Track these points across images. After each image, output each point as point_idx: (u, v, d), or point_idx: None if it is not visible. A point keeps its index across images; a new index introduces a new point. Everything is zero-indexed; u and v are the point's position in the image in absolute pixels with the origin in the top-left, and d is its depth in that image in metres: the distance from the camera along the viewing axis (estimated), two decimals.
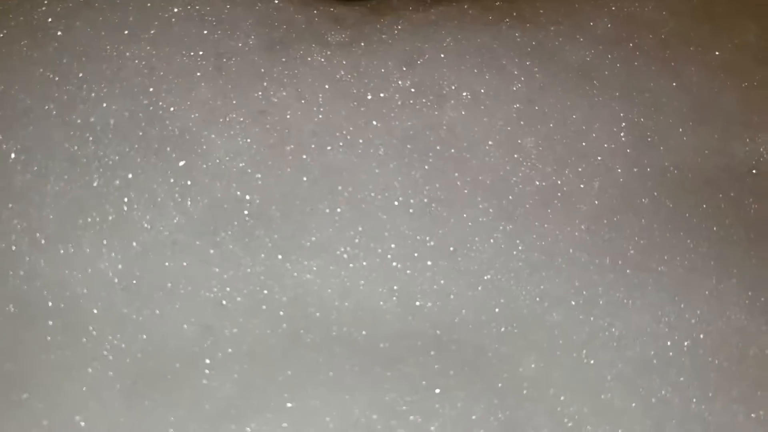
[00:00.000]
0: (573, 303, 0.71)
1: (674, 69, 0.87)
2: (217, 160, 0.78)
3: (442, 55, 0.83)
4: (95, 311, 0.68)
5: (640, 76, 0.85)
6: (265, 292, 0.72)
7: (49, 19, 0.84)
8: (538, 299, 0.71)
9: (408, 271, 0.74)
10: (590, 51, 0.84)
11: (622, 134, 0.80)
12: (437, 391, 0.66)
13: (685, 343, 0.72)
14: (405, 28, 0.87)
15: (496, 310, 0.71)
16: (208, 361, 0.67)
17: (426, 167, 0.76)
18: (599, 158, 0.78)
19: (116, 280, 0.71)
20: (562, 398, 0.68)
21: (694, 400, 0.69)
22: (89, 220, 0.74)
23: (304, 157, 0.78)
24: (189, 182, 0.76)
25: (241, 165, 0.78)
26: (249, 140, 0.79)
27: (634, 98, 0.82)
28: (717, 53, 0.90)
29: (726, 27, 0.93)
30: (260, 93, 0.83)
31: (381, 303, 0.70)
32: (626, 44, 0.87)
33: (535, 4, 0.88)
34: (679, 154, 0.80)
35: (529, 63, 0.82)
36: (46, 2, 0.85)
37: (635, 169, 0.77)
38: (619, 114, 0.81)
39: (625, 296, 0.72)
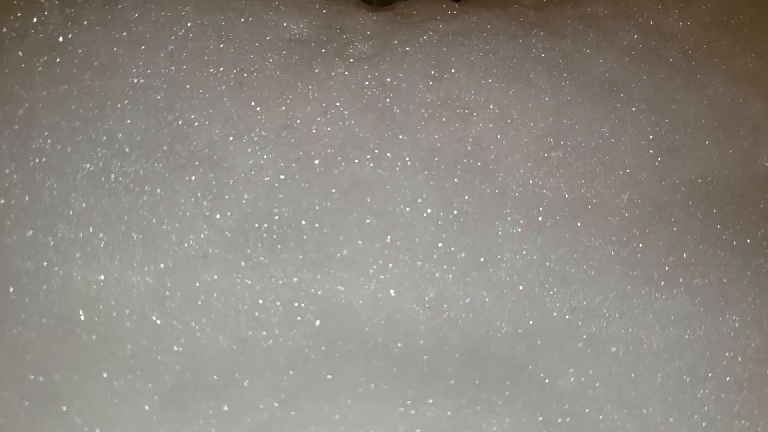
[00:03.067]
0: (608, 316, 0.77)
1: (699, 80, 0.94)
2: (243, 174, 0.84)
3: (468, 69, 0.89)
4: (128, 324, 0.75)
5: (666, 88, 0.92)
6: (298, 304, 0.78)
7: (69, 36, 0.90)
8: (572, 312, 0.78)
9: (439, 283, 0.81)
10: (616, 63, 0.92)
11: (649, 147, 0.87)
12: (478, 408, 0.72)
13: (726, 355, 0.78)
14: (429, 41, 0.95)
15: (530, 322, 0.78)
16: (245, 373, 0.72)
17: (455, 180, 0.83)
18: (628, 171, 0.84)
19: (149, 294, 0.77)
20: (603, 413, 0.73)
21: (738, 416, 0.75)
22: (120, 236, 0.80)
23: (332, 170, 0.85)
24: (217, 196, 0.83)
25: (267, 179, 0.85)
26: (275, 155, 0.87)
27: (661, 110, 0.90)
28: (741, 63, 0.97)
29: (749, 36, 1.00)
30: (284, 108, 0.90)
31: (414, 315, 0.78)
32: (652, 56, 0.93)
33: (561, 15, 0.95)
34: (706, 165, 0.88)
35: (556, 76, 0.89)
36: (63, 20, 0.91)
37: (663, 182, 0.84)
38: (646, 127, 0.89)
39: (660, 309, 0.78)
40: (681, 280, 0.81)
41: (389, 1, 1.10)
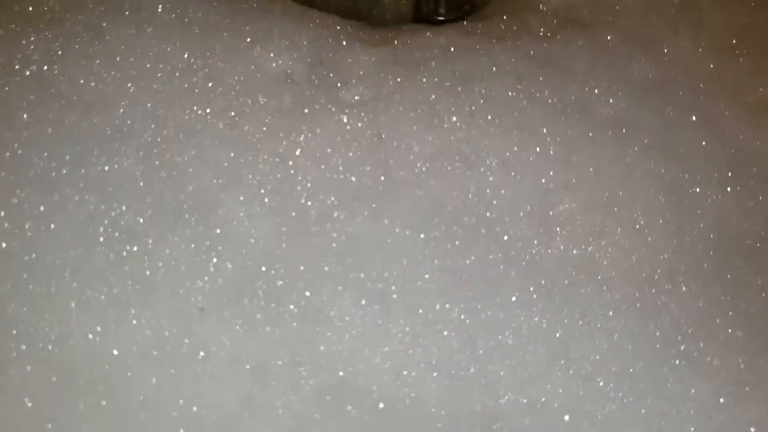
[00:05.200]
0: (622, 397, 0.82)
1: (710, 116, 0.95)
2: (237, 225, 0.87)
3: (469, 117, 0.90)
4: (129, 375, 0.79)
5: (675, 126, 0.96)
6: (300, 365, 0.82)
7: (55, 71, 0.92)
8: (585, 389, 0.82)
9: (445, 349, 0.84)
10: (625, 100, 0.96)
11: (659, 196, 0.89)
12: None
13: None
14: (428, 83, 0.95)
15: (543, 399, 0.81)
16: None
17: (456, 241, 0.86)
18: (637, 227, 0.86)
19: (147, 348, 0.81)
20: None
21: None
22: (113, 288, 0.83)
23: (328, 226, 0.88)
24: (210, 248, 0.86)
25: (261, 232, 0.87)
26: (269, 205, 0.89)
27: (670, 154, 0.94)
28: (754, 95, 0.97)
29: (763, 64, 1.00)
30: (277, 158, 0.92)
31: (422, 381, 0.81)
32: (662, 90, 0.97)
33: (571, 47, 0.98)
34: (719, 217, 0.89)
35: (562, 121, 0.90)
36: (48, 55, 0.93)
37: (674, 240, 0.87)
38: (655, 173, 0.93)
39: (676, 395, 0.82)
40: (699, 362, 0.82)
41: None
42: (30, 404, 0.77)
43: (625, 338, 0.84)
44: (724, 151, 0.97)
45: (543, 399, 0.81)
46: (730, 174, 0.96)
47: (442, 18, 1.19)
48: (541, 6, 1.05)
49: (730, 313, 0.86)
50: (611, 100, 0.96)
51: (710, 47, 1.06)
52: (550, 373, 0.82)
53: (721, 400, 0.82)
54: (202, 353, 0.81)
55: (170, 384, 0.79)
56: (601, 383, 0.82)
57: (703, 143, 0.97)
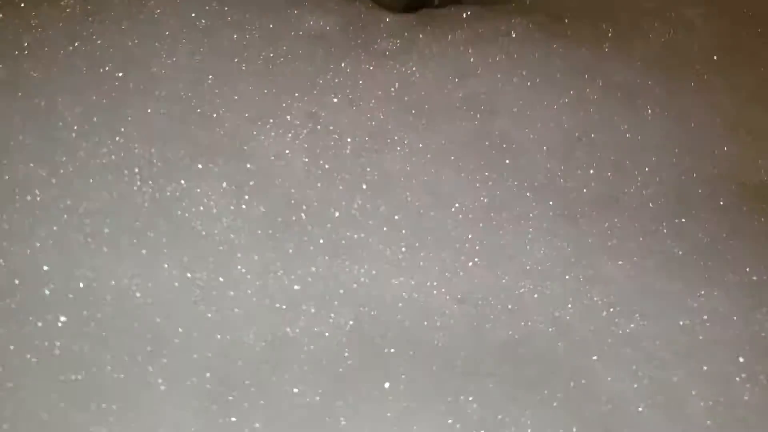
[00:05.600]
0: (645, 313, 0.86)
1: (708, 91, 1.06)
2: (269, 162, 0.92)
3: (493, 68, 0.98)
4: (158, 320, 0.80)
5: (677, 96, 1.05)
6: (329, 298, 0.84)
7: (91, 30, 1.00)
8: (609, 307, 0.86)
9: (471, 277, 0.88)
10: (633, 72, 1.07)
11: (667, 146, 1.00)
12: (516, 406, 0.79)
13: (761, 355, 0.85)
14: (455, 40, 1.03)
15: (567, 317, 0.85)
16: (285, 368, 0.79)
17: (484, 173, 0.91)
18: (648, 168, 0.95)
19: (177, 288, 0.82)
20: (640, 412, 0.80)
21: None
22: (146, 228, 0.86)
23: (360, 160, 0.93)
24: (242, 184, 0.90)
25: (293, 167, 0.92)
26: (301, 143, 0.95)
27: (674, 116, 1.04)
28: (747, 78, 1.08)
29: (751, 55, 1.10)
30: (309, 98, 0.99)
31: (448, 309, 0.84)
32: (665, 68, 1.09)
33: (581, 28, 1.05)
34: (720, 165, 1.00)
35: (578, 78, 0.98)
36: (83, 15, 1.02)
37: (684, 178, 0.96)
38: (662, 129, 1.02)
39: (695, 307, 0.87)
40: (712, 277, 0.89)
41: (413, 9, 1.18)
42: (57, 351, 0.77)
43: (646, 259, 0.90)
44: (718, 117, 1.07)
45: (568, 320, 0.85)
46: (722, 134, 1.05)
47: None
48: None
49: (739, 234, 0.94)
50: (620, 70, 1.07)
51: (711, 37, 1.17)
52: (575, 293, 0.87)
53: (735, 308, 0.88)
54: (232, 293, 0.83)
55: (202, 326, 0.80)
56: (625, 301, 0.87)
57: (701, 110, 1.07)
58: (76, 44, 0.97)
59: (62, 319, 0.79)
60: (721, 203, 0.96)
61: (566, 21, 1.12)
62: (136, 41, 0.99)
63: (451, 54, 1.01)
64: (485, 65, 1.01)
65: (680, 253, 0.92)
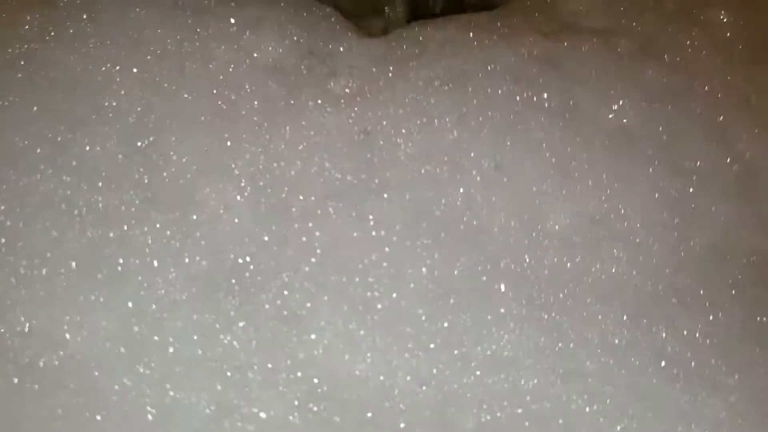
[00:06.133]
0: (632, 415, 0.78)
1: (721, 132, 0.91)
2: (215, 215, 0.85)
3: (461, 118, 0.88)
4: (96, 373, 0.76)
5: (683, 139, 0.91)
6: (278, 368, 0.78)
7: (45, 52, 0.91)
8: (591, 406, 0.79)
9: (434, 361, 0.80)
10: (632, 109, 0.93)
11: (661, 210, 0.87)
12: None
13: None
14: (420, 79, 0.92)
15: (533, 406, 0.78)
16: None
17: (444, 248, 0.83)
18: (637, 240, 0.83)
19: (115, 341, 0.78)
20: None
21: None
22: (84, 275, 0.80)
23: (310, 224, 0.85)
24: (187, 236, 0.83)
25: (240, 223, 0.85)
26: (249, 197, 0.86)
27: (675, 166, 0.92)
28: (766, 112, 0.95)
29: None
30: (260, 148, 0.89)
31: (412, 393, 0.78)
32: (673, 101, 0.95)
33: (579, 51, 0.94)
34: (722, 233, 0.85)
35: (561, 126, 0.87)
36: (41, 33, 0.92)
37: (676, 256, 0.85)
38: (658, 184, 0.91)
39: (689, 410, 0.79)
40: (711, 379, 0.80)
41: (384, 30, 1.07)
42: None
43: (630, 352, 0.81)
44: (731, 168, 0.93)
45: (545, 414, 0.78)
46: (734, 191, 0.91)
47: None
48: (553, 8, 1.02)
49: (741, 329, 0.82)
50: (617, 108, 0.92)
51: (727, 60, 1.01)
52: (552, 387, 0.79)
53: (740, 421, 0.78)
54: (171, 350, 0.78)
55: (141, 384, 0.76)
56: (607, 399, 0.78)
57: (710, 158, 0.93)
58: (31, 69, 0.90)
59: None
60: (718, 286, 0.84)
61: (567, 41, 0.97)
62: (89, 68, 0.91)
63: (412, 99, 0.89)
64: (451, 114, 0.89)
65: (666, 349, 0.81)
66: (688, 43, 1.00)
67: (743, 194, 0.94)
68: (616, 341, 0.82)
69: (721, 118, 0.97)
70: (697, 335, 0.82)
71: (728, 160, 0.94)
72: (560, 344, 0.82)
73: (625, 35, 1.00)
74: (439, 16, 1.10)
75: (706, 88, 0.98)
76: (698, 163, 0.92)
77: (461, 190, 0.87)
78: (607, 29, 1.01)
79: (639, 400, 0.80)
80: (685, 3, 1.03)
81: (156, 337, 0.78)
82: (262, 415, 0.76)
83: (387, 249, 0.84)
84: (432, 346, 0.81)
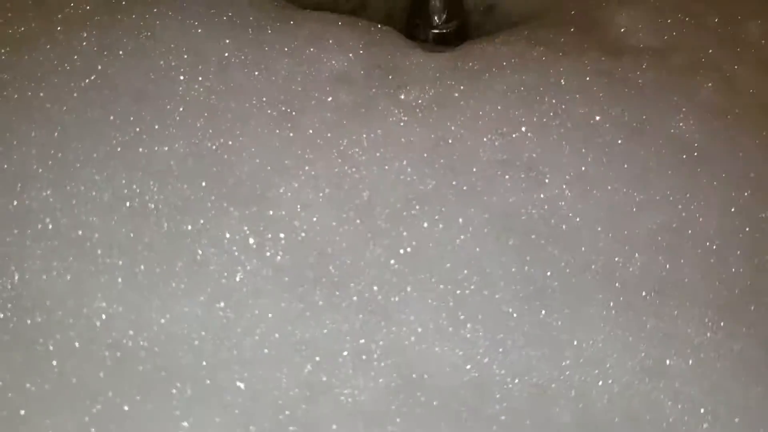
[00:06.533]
0: (711, 418, 0.80)
1: None
2: (293, 212, 0.86)
3: (540, 128, 0.90)
4: (180, 356, 0.77)
5: (747, 153, 0.97)
6: (365, 355, 0.80)
7: (106, 63, 0.94)
8: (676, 403, 0.80)
9: (524, 357, 0.81)
10: (695, 124, 0.97)
11: (735, 220, 0.88)
12: None
13: None
14: (494, 91, 0.94)
15: (616, 419, 0.79)
16: (317, 421, 0.75)
17: (532, 250, 0.84)
18: (714, 247, 0.85)
19: (199, 326, 0.79)
20: None
21: None
22: (163, 265, 0.82)
23: (397, 225, 0.86)
24: (264, 231, 0.84)
25: (321, 220, 0.86)
26: (328, 197, 0.88)
27: (743, 179, 0.95)
28: None
29: None
30: (335, 151, 0.91)
31: (504, 389, 0.79)
32: (731, 115, 0.99)
33: (636, 68, 0.96)
34: None
35: (634, 140, 0.90)
36: (99, 49, 0.95)
37: (755, 261, 0.85)
38: (730, 198, 0.93)
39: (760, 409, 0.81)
40: None
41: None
42: (75, 381, 0.75)
43: (712, 357, 0.83)
44: None
45: (635, 412, 0.79)
46: None
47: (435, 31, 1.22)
48: (606, 25, 1.06)
49: None
50: (682, 124, 0.96)
51: None
52: (640, 385, 0.80)
53: None
54: (258, 332, 0.79)
55: (222, 368, 0.77)
56: (693, 398, 0.80)
57: None
58: (91, 79, 0.92)
59: (76, 345, 0.76)
60: None
61: (624, 57, 1.01)
62: (151, 78, 0.93)
63: (490, 109, 0.92)
64: (530, 124, 0.91)
65: (747, 352, 0.84)
66: (734, 58, 1.05)
67: None
68: (701, 344, 0.84)
69: None
70: None
71: None
72: (646, 345, 0.83)
73: (676, 51, 1.04)
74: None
75: (758, 102, 1.02)
76: (760, 176, 0.95)
77: (545, 196, 0.89)
78: (658, 46, 1.05)
79: (721, 402, 0.81)
80: (726, 16, 1.09)
81: (242, 321, 0.79)
82: (350, 397, 0.77)
83: (476, 249, 0.86)
84: (523, 343, 0.82)
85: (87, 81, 0.92)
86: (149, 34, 0.97)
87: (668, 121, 0.98)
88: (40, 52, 0.94)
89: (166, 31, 0.98)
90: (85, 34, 0.96)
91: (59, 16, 0.98)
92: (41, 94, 0.91)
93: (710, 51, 1.06)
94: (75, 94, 0.91)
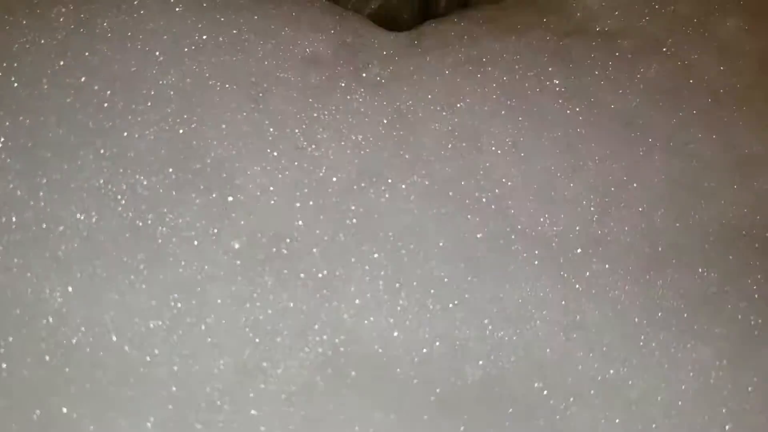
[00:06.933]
0: (625, 360, 0.88)
1: (723, 123, 1.05)
2: (254, 195, 0.91)
3: (482, 99, 0.98)
4: (126, 348, 0.82)
5: (685, 127, 1.04)
6: (305, 332, 0.86)
7: (81, 43, 0.95)
8: (589, 353, 0.88)
9: (451, 320, 0.90)
10: (636, 98, 1.04)
11: (664, 187, 0.97)
12: None
13: (745, 409, 0.87)
14: (445, 66, 1.04)
15: (547, 363, 0.87)
16: (250, 402, 0.81)
17: (467, 216, 0.92)
18: (641, 209, 0.92)
19: (152, 315, 0.83)
20: None
21: None
22: (124, 256, 0.85)
23: (347, 198, 0.94)
24: (225, 216, 0.89)
25: (278, 201, 0.92)
26: (288, 177, 0.94)
27: (677, 150, 1.02)
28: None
29: None
30: (298, 131, 0.98)
31: (427, 349, 0.86)
32: (675, 94, 1.05)
33: (585, 47, 1.05)
34: (723, 209, 0.96)
35: (570, 109, 0.96)
36: (76, 26, 0.96)
37: (678, 224, 0.93)
38: (661, 166, 1.00)
39: (679, 359, 0.89)
40: (701, 329, 0.89)
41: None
42: (26, 373, 0.79)
43: (630, 307, 0.91)
44: (731, 154, 1.04)
45: (547, 362, 0.87)
46: (733, 173, 1.02)
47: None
48: (565, 7, 1.12)
49: (733, 289, 0.93)
50: (622, 96, 1.03)
51: (736, 69, 1.11)
52: (555, 337, 0.88)
53: (721, 362, 0.88)
54: (207, 321, 0.84)
55: (172, 354, 0.82)
56: (605, 348, 0.87)
57: (711, 144, 1.04)
58: (66, 59, 0.94)
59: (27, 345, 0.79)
60: (718, 252, 0.94)
61: (573, 37, 1.08)
62: (127, 60, 0.96)
63: (441, 83, 1.00)
64: (474, 95, 0.99)
65: (665, 303, 0.91)
66: (695, 47, 1.10)
67: (740, 176, 1.03)
68: (619, 297, 0.91)
69: (723, 113, 1.06)
70: (691, 291, 0.92)
71: (729, 149, 1.04)
72: (566, 300, 0.91)
73: (633, 36, 1.10)
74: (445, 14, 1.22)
75: (709, 88, 1.08)
76: (698, 148, 1.02)
77: (482, 163, 0.97)
78: (616, 29, 1.11)
79: (633, 348, 0.89)
80: (698, 10, 1.13)
81: (192, 311, 0.84)
82: (286, 376, 0.83)
83: (415, 217, 0.94)
84: (450, 305, 0.90)
85: (62, 63, 0.93)
86: (128, 8, 0.98)
87: (608, 95, 1.04)
88: (15, 26, 0.94)
89: (145, 9, 1.00)
90: (63, 8, 0.96)
91: None
92: (13, 77, 0.91)
93: (669, 39, 1.11)
94: (49, 77, 0.92)
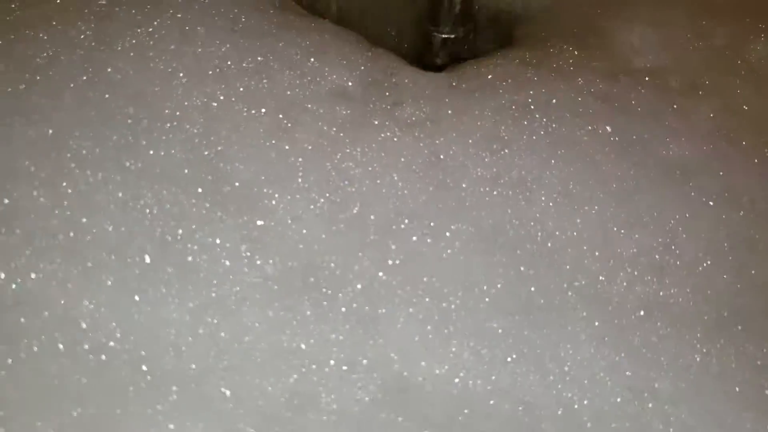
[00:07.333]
0: (705, 424, 0.79)
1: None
2: (285, 222, 0.86)
3: (530, 145, 0.92)
4: (166, 360, 0.78)
5: (739, 177, 0.98)
6: (351, 367, 0.80)
7: (104, 60, 0.93)
8: (668, 417, 0.80)
9: (509, 373, 0.81)
10: (688, 147, 0.98)
11: (723, 241, 0.88)
12: None
13: None
14: (486, 108, 0.96)
15: (613, 425, 0.79)
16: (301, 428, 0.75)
17: (519, 267, 0.85)
18: (700, 268, 0.85)
19: (186, 331, 0.79)
20: None
21: None
22: (154, 269, 0.82)
23: (386, 239, 0.86)
24: (256, 240, 0.85)
25: (308, 232, 0.86)
26: (321, 209, 0.88)
27: (733, 202, 0.96)
28: None
29: None
30: (329, 164, 0.92)
31: (484, 400, 0.79)
32: (726, 140, 1.00)
33: (635, 90, 0.99)
34: None
35: (624, 159, 0.91)
36: (98, 44, 0.94)
37: (739, 285, 0.86)
38: (719, 219, 0.94)
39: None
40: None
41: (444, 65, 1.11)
42: (56, 382, 0.75)
43: (704, 379, 0.83)
44: None
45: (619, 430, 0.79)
46: None
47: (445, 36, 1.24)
48: (606, 47, 1.06)
49: None
50: (674, 145, 0.97)
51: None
52: (630, 407, 0.80)
53: None
54: (246, 340, 0.80)
55: (208, 374, 0.77)
56: (683, 421, 0.80)
57: (763, 191, 0.97)
58: (88, 75, 0.92)
59: (60, 347, 0.76)
60: None
61: (620, 78, 1.01)
62: (149, 78, 0.93)
63: (483, 126, 0.93)
64: (520, 141, 0.92)
65: (739, 374, 0.84)
66: (735, 81, 1.05)
67: None
68: (690, 366, 0.84)
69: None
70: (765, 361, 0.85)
71: None
72: (634, 366, 0.83)
73: (678, 72, 1.05)
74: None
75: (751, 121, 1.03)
76: (754, 197, 0.95)
77: (532, 213, 0.89)
78: (661, 67, 1.06)
79: (712, 419, 0.81)
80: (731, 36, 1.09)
81: (229, 328, 0.80)
82: (336, 407, 0.77)
83: (462, 264, 0.86)
84: (509, 359, 0.82)
85: (84, 78, 0.91)
86: (146, 29, 0.97)
87: (660, 142, 0.98)
88: (36, 41, 0.93)
89: (165, 30, 0.98)
90: (82, 25, 0.95)
91: (57, 1, 0.98)
92: (36, 89, 0.90)
93: (712, 72, 1.06)
94: (71, 91, 0.90)
